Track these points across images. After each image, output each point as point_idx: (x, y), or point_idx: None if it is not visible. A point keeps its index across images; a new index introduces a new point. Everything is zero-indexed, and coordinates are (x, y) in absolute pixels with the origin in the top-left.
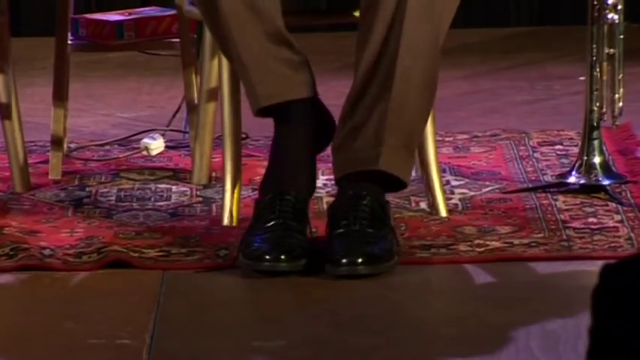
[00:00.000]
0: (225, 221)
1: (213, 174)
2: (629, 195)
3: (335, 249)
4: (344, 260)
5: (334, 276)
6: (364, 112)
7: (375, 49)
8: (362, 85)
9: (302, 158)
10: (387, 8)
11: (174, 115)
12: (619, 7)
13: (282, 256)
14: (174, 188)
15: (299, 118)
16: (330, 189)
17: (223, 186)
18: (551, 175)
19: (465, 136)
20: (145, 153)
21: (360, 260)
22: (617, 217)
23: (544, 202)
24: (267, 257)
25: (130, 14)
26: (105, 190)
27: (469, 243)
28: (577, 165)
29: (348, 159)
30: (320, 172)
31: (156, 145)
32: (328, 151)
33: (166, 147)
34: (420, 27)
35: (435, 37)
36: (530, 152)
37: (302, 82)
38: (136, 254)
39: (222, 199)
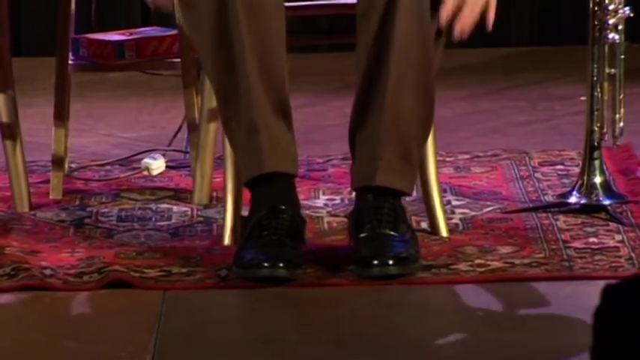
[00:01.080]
0: (227, 241)
1: (214, 194)
2: (629, 215)
3: (363, 252)
4: (375, 262)
5: (364, 278)
6: (362, 125)
7: (368, 60)
8: (359, 98)
9: (291, 192)
10: (375, 18)
11: (175, 135)
12: (620, 27)
13: (281, 264)
14: (175, 208)
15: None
16: (330, 209)
17: (224, 206)
18: (552, 195)
19: (465, 156)
20: (145, 173)
21: (390, 262)
22: (618, 237)
23: (545, 222)
24: (265, 265)
25: (130, 34)
26: (106, 210)
27: (470, 263)
28: (578, 185)
29: (356, 173)
30: (320, 191)
31: (157, 165)
32: (329, 170)
33: (167, 167)
34: (410, 33)
35: (426, 40)
36: (531, 172)
37: (293, 159)
38: (137, 274)
39: (224, 219)
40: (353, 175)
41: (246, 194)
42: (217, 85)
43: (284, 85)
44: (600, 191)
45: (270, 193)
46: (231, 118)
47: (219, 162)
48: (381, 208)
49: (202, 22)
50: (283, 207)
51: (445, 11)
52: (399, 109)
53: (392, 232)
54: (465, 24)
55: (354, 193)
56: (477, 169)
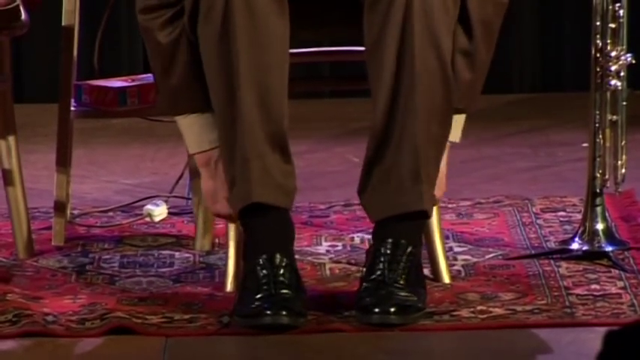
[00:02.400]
0: (229, 288)
1: (217, 240)
2: (632, 262)
3: (366, 297)
4: (376, 309)
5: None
6: (393, 153)
7: (388, 89)
8: (383, 127)
9: (283, 227)
10: (391, 45)
11: (177, 182)
12: (622, 73)
13: (284, 312)
14: (177, 255)
15: (278, 220)
16: (332, 255)
17: (226, 252)
18: (554, 242)
19: (468, 203)
20: (148, 219)
21: (392, 309)
22: (620, 284)
23: (547, 268)
24: (268, 312)
25: (133, 80)
26: (108, 256)
27: (472, 309)
28: (580, 231)
29: (387, 202)
30: (322, 238)
31: (159, 211)
32: (331, 217)
33: (169, 213)
34: (428, 58)
35: (444, 63)
36: (533, 219)
37: (289, 191)
38: (139, 320)
39: (226, 265)
40: (373, 206)
41: None
42: (218, 115)
43: (282, 118)
44: (602, 238)
45: (265, 230)
46: (225, 149)
47: None
48: (396, 255)
49: (208, 53)
50: (278, 257)
51: None
52: (418, 142)
53: (400, 283)
54: None
55: (356, 239)
56: (479, 216)
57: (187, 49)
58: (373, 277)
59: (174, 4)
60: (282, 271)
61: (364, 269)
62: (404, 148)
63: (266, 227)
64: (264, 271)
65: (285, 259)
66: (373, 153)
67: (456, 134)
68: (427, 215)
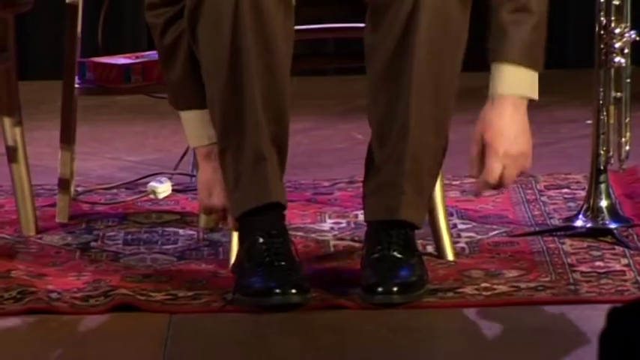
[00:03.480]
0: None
1: None
2: (635, 239)
3: (369, 276)
4: (379, 289)
5: (368, 303)
6: (383, 159)
7: (385, 96)
8: (379, 132)
9: (283, 222)
10: (388, 50)
11: (181, 159)
12: (626, 50)
13: (293, 290)
14: (181, 232)
15: (278, 217)
16: (336, 232)
17: (230, 229)
18: (558, 219)
19: (472, 180)
20: (152, 196)
21: (395, 289)
22: (624, 261)
23: (551, 245)
24: (277, 291)
25: (137, 57)
26: (112, 233)
27: (476, 287)
28: (584, 208)
29: (375, 205)
30: (326, 215)
31: (163, 188)
32: (335, 194)
33: (173, 190)
34: (429, 68)
35: (444, 75)
36: (538, 196)
37: (285, 192)
38: (143, 297)
39: (230, 242)
40: (372, 206)
41: None
42: (220, 115)
43: (285, 116)
44: (606, 215)
45: (264, 220)
46: (228, 148)
47: None
48: (391, 230)
49: (213, 55)
50: (275, 232)
51: (491, 178)
52: (419, 147)
53: (399, 255)
54: (510, 179)
55: (360, 216)
56: (483, 193)
57: (187, 48)
58: (374, 255)
59: (176, 3)
60: (280, 246)
61: (363, 252)
62: (393, 156)
63: (268, 218)
64: (263, 247)
65: (281, 238)
66: (370, 154)
67: (533, 91)
68: (408, 224)
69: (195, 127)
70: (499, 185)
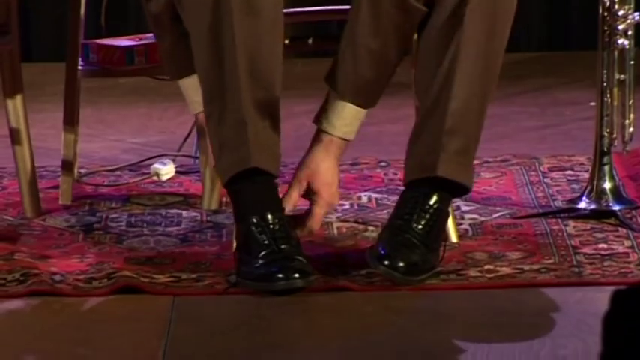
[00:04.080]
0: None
1: (224, 199)
2: (639, 220)
3: (383, 245)
4: (386, 262)
5: (371, 266)
6: (423, 115)
7: (433, 54)
8: (423, 92)
9: (274, 193)
10: (444, 13)
11: (184, 141)
12: (629, 32)
13: (296, 274)
14: (184, 214)
15: (267, 186)
16: (340, 214)
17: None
18: (562, 201)
19: (475, 162)
20: (155, 178)
21: (401, 264)
22: (628, 243)
23: (554, 227)
24: (280, 276)
25: (140, 39)
26: (115, 215)
27: (479, 268)
28: (587, 190)
29: (413, 164)
30: None
31: (166, 170)
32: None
33: (177, 172)
34: (479, 28)
35: (493, 36)
36: (541, 178)
37: (276, 159)
38: (147, 279)
39: (233, 224)
40: (408, 166)
41: None
42: (205, 80)
43: (273, 85)
44: (610, 197)
45: (254, 194)
46: (212, 114)
47: None
48: (426, 207)
49: (197, 19)
50: (269, 216)
51: (317, 226)
52: (462, 105)
53: (417, 240)
54: (318, 225)
55: (364, 198)
56: (486, 175)
57: (174, 15)
58: (398, 221)
59: None
60: (277, 227)
61: (392, 215)
62: (434, 113)
63: (255, 191)
64: (260, 229)
65: (276, 218)
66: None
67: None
68: (448, 186)
69: (193, 94)
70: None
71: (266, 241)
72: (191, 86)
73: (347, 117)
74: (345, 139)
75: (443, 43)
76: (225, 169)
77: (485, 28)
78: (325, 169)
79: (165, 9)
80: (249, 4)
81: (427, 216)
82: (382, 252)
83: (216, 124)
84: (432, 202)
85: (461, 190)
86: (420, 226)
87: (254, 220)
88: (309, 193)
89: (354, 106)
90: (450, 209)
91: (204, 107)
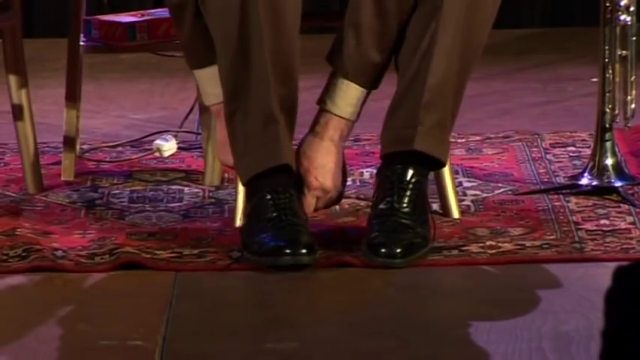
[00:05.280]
0: (238, 223)
1: (226, 175)
2: None
3: (375, 234)
4: (383, 250)
5: (371, 262)
6: (401, 89)
7: (415, 31)
8: (402, 64)
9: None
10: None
11: (186, 117)
12: (631, 8)
13: (303, 250)
14: (186, 190)
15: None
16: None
17: (236, 187)
18: (564, 177)
19: (477, 138)
20: (157, 154)
21: (398, 251)
22: (630, 219)
23: (556, 203)
24: (288, 251)
25: (142, 15)
26: (117, 191)
27: (481, 245)
28: (589, 166)
29: (390, 138)
30: None
31: (168, 146)
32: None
33: (179, 148)
34: (458, 3)
35: (475, 11)
36: (543, 154)
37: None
38: (149, 255)
39: (235, 200)
40: (384, 140)
41: None
42: (228, 77)
43: (294, 80)
44: (612, 173)
45: (272, 180)
46: (236, 110)
47: None
48: (403, 183)
49: (223, 20)
50: (281, 188)
51: (309, 207)
52: (441, 79)
53: (406, 217)
54: (310, 209)
55: (366, 174)
56: (488, 151)
57: (193, 10)
58: (382, 206)
59: None
60: (287, 202)
61: (373, 199)
62: (412, 86)
63: (272, 180)
64: (271, 202)
65: (288, 194)
66: (398, 81)
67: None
68: (425, 160)
69: (209, 85)
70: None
71: (274, 213)
72: (207, 78)
73: (350, 97)
74: (347, 119)
75: (425, 19)
76: (250, 165)
77: (466, 4)
78: (314, 151)
79: (186, 2)
80: (273, 7)
81: (408, 192)
82: (377, 240)
83: (241, 121)
84: (409, 178)
85: (436, 164)
86: (404, 204)
87: (266, 194)
88: (302, 177)
89: (358, 86)
90: (450, 183)
91: (225, 103)
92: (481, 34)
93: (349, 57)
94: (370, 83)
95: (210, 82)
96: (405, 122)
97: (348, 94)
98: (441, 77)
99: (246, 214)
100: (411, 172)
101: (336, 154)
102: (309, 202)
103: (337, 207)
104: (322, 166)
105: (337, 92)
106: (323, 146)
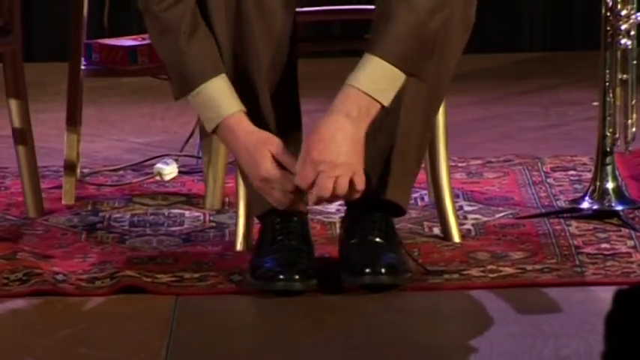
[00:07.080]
0: (239, 247)
1: (226, 199)
2: None
3: (354, 259)
4: (367, 270)
5: (356, 286)
6: (370, 140)
7: None
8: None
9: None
10: None
11: (187, 141)
12: (632, 32)
13: (296, 276)
14: (187, 213)
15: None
16: (342, 214)
17: (236, 211)
18: (565, 201)
19: (478, 162)
20: (158, 178)
21: (383, 270)
22: (630, 243)
23: (557, 227)
24: (281, 277)
25: (143, 39)
26: (118, 215)
27: (482, 268)
28: (590, 190)
29: None
30: None
31: (169, 170)
32: None
33: (179, 172)
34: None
35: (440, 66)
36: (544, 178)
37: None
38: (149, 279)
39: (236, 224)
40: None
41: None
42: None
43: (296, 112)
44: (612, 197)
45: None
46: None
47: (231, 167)
48: (371, 216)
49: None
50: (293, 215)
51: (304, 179)
52: (409, 129)
53: (382, 241)
54: (322, 190)
55: None
56: (489, 175)
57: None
58: (353, 241)
59: None
60: (294, 225)
61: (342, 235)
62: (379, 136)
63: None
64: (278, 224)
65: (297, 217)
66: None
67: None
68: (392, 207)
69: (205, 110)
70: (317, 199)
71: (279, 237)
72: (199, 103)
73: (374, 72)
74: (368, 95)
75: None
76: (265, 201)
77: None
78: (320, 124)
79: (182, 18)
80: (267, 32)
81: (377, 226)
82: (358, 263)
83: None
84: (376, 219)
85: (399, 211)
86: (378, 237)
87: (275, 217)
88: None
89: (383, 61)
90: (450, 207)
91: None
92: (446, 81)
93: (377, 35)
94: (400, 61)
95: (205, 106)
96: (377, 172)
97: (372, 68)
98: (406, 130)
99: (258, 235)
100: (378, 215)
101: (350, 131)
102: (307, 172)
103: (337, 231)
104: (322, 140)
105: (361, 65)
106: (332, 119)
